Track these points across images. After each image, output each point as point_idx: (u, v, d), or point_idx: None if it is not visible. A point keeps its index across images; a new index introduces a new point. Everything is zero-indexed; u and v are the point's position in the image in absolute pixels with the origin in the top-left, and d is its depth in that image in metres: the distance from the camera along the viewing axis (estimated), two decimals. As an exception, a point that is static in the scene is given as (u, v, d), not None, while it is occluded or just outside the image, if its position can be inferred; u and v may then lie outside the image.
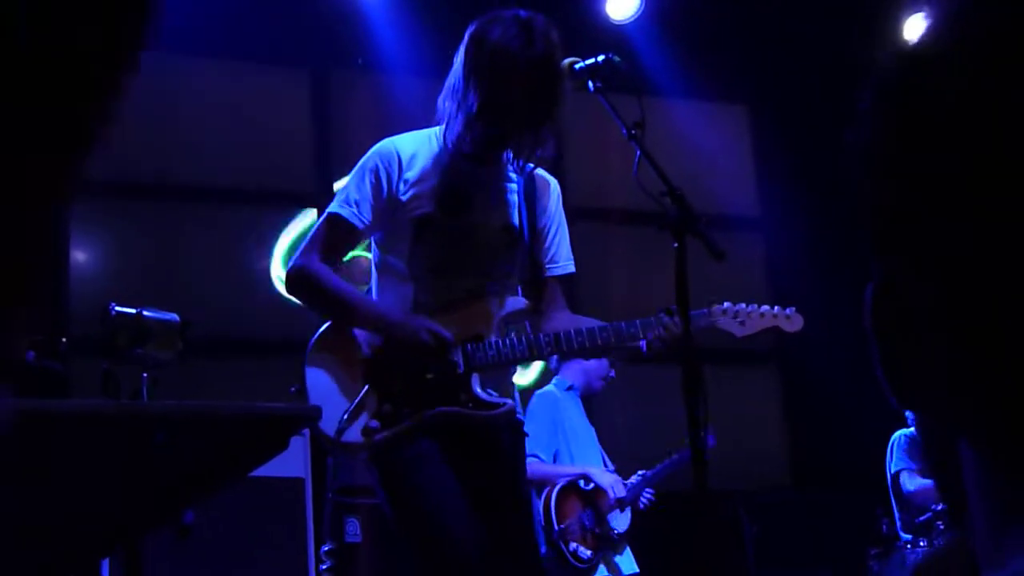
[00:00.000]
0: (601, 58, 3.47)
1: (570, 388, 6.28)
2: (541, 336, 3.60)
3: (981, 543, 0.60)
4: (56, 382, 2.71)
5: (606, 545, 6.05)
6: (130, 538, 2.86)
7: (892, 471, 6.48)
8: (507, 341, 3.57)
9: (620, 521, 6.14)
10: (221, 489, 3.11)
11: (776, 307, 4.00)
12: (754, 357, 8.63)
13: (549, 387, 6.34)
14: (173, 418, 2.51)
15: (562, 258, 3.80)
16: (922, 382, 0.62)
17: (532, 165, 3.69)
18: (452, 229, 3.56)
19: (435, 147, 3.62)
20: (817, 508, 7.52)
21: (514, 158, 3.59)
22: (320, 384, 3.53)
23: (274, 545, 4.79)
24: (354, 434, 3.47)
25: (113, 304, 2.71)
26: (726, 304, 3.83)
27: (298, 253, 3.64)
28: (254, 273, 7.48)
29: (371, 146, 3.72)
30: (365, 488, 4.66)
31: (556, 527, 5.98)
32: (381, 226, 3.60)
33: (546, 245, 3.77)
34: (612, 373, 6.32)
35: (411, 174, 3.58)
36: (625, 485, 6.13)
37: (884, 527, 6.01)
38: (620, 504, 6.09)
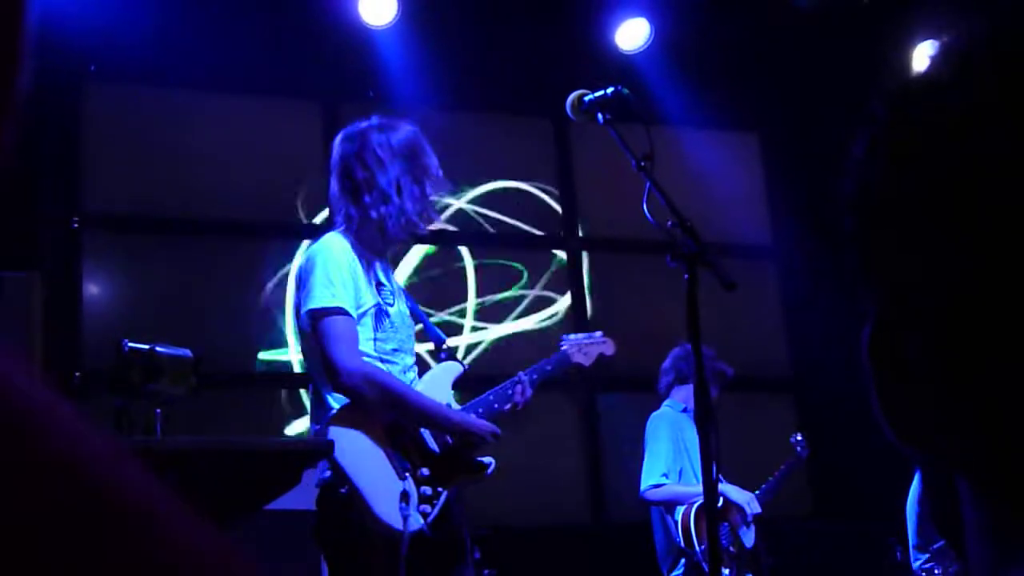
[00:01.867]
0: (610, 90, 3.50)
1: (685, 410, 6.27)
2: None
3: (979, 578, 0.60)
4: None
5: (740, 563, 6.07)
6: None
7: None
8: (470, 408, 4.03)
9: (748, 537, 6.18)
10: (236, 523, 3.12)
11: (595, 333, 4.63)
12: (770, 386, 8.62)
13: (664, 408, 6.38)
14: (187, 454, 2.52)
15: (438, 332, 4.33)
16: (917, 420, 0.62)
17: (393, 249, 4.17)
18: (393, 316, 3.92)
19: (354, 246, 3.94)
20: (834, 537, 7.48)
21: (397, 243, 4.07)
22: (364, 473, 3.66)
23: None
24: (416, 522, 3.68)
25: (126, 340, 2.72)
26: (567, 339, 4.50)
27: (344, 356, 3.74)
28: (267, 306, 7.49)
29: None
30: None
31: (698, 548, 5.97)
32: None
33: (428, 320, 4.27)
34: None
35: (358, 269, 3.89)
36: (760, 501, 6.21)
37: (898, 555, 5.97)
38: (755, 520, 6.17)
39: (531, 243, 8.33)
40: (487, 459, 3.95)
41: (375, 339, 3.85)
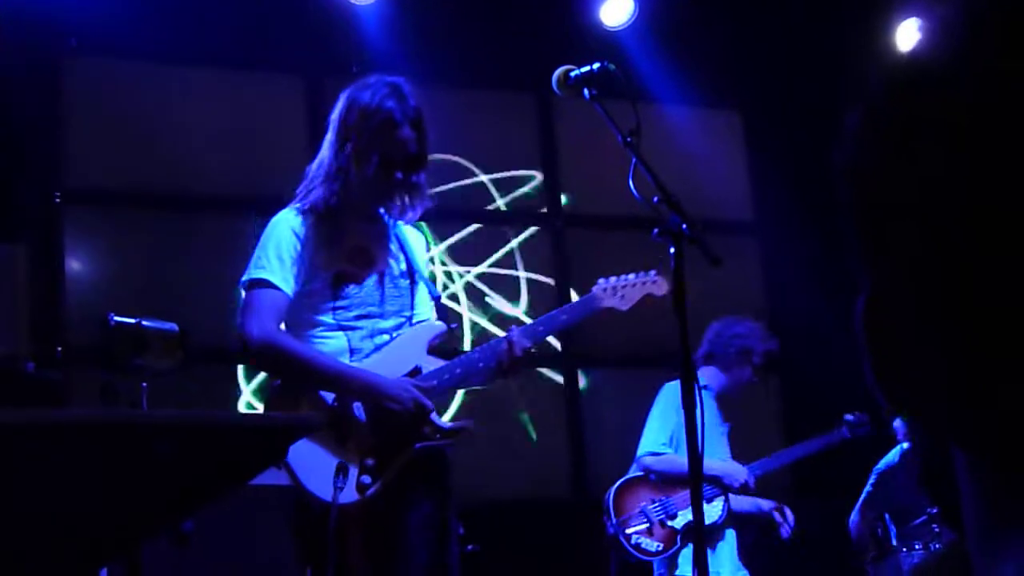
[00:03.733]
0: (596, 66, 3.51)
1: (705, 387, 6.12)
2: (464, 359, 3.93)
3: (974, 547, 0.61)
4: (54, 392, 2.71)
5: (685, 539, 5.85)
6: (129, 547, 2.87)
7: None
8: (445, 368, 3.88)
9: (709, 513, 5.88)
10: (220, 498, 3.12)
11: (642, 273, 4.21)
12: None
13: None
14: (173, 427, 2.51)
15: (433, 288, 4.10)
16: (910, 389, 0.62)
17: (404, 218, 3.99)
18: (365, 280, 3.85)
19: (324, 212, 3.86)
20: (813, 515, 7.52)
21: (393, 211, 3.94)
22: (299, 448, 3.48)
23: (271, 552, 4.80)
24: (350, 494, 3.65)
25: (112, 315, 2.71)
26: (601, 281, 4.17)
27: (251, 325, 3.73)
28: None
29: None
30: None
31: (614, 520, 5.88)
32: (299, 288, 3.83)
33: (427, 281, 4.05)
34: (756, 379, 6.26)
35: (319, 238, 3.84)
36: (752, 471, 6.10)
37: (879, 531, 6.00)
38: (744, 490, 6.03)
39: (513, 219, 8.33)
40: (461, 422, 3.90)
41: (334, 308, 3.83)
